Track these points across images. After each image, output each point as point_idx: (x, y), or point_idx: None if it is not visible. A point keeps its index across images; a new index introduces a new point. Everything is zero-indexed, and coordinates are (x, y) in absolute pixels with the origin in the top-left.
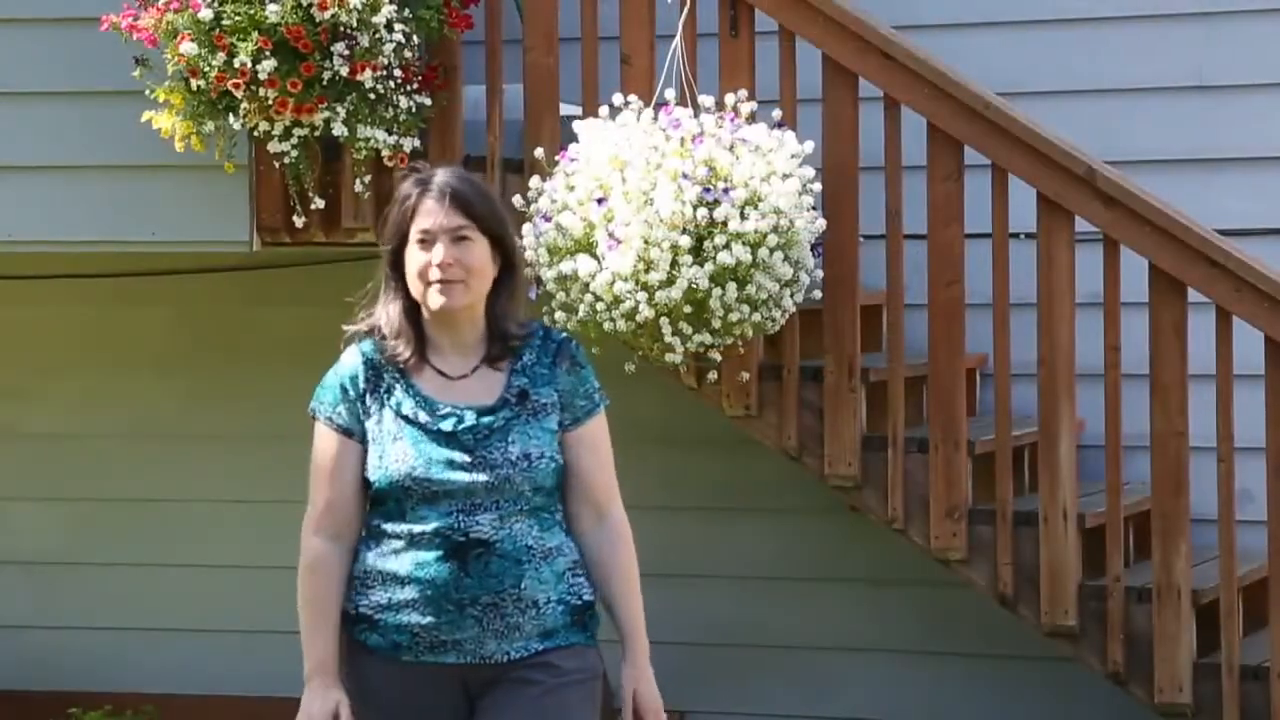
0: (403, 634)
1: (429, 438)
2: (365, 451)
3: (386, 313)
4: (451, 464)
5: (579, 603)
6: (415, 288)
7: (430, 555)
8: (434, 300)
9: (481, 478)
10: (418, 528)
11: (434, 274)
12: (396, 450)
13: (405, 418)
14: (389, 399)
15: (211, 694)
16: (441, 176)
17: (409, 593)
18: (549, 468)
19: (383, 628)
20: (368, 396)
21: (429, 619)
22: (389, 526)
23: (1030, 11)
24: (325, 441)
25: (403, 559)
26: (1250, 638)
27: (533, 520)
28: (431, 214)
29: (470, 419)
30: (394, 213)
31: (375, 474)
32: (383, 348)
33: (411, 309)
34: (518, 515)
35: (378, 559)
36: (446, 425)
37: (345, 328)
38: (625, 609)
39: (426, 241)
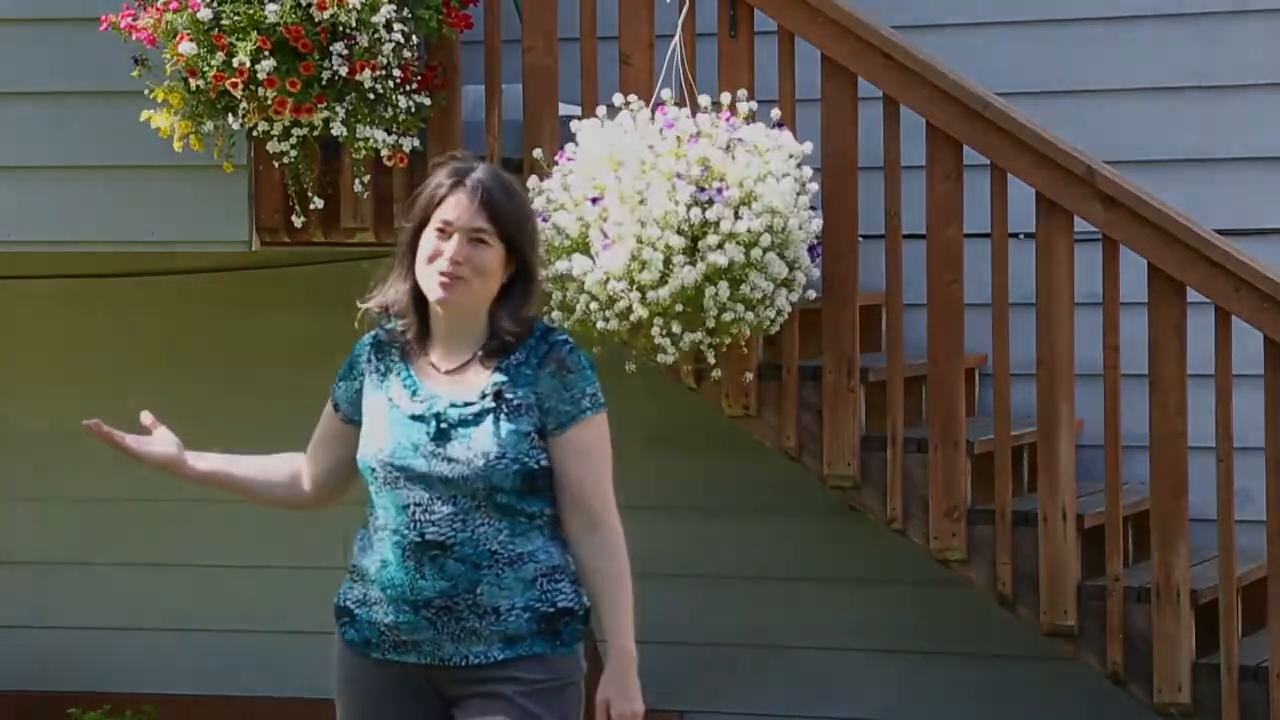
0: (373, 631)
1: (400, 421)
2: (348, 429)
3: (395, 290)
4: (415, 449)
5: (551, 610)
6: (422, 271)
7: (391, 555)
8: (434, 291)
9: (440, 469)
10: (385, 525)
11: (442, 265)
12: (375, 431)
13: (390, 399)
14: (384, 382)
15: (211, 694)
16: (479, 173)
17: (375, 591)
18: (508, 469)
19: (358, 623)
20: (367, 377)
21: (390, 618)
22: (370, 521)
23: (1030, 11)
24: (325, 408)
25: (372, 557)
26: (1249, 638)
27: (503, 523)
28: (458, 208)
29: (438, 407)
30: (424, 194)
31: (358, 453)
32: (392, 326)
33: (418, 291)
34: (481, 516)
35: (359, 554)
36: (417, 410)
37: (359, 304)
38: (611, 621)
39: (445, 232)
